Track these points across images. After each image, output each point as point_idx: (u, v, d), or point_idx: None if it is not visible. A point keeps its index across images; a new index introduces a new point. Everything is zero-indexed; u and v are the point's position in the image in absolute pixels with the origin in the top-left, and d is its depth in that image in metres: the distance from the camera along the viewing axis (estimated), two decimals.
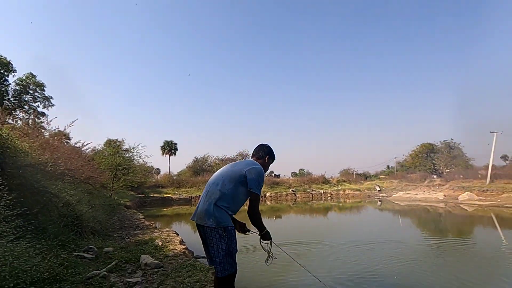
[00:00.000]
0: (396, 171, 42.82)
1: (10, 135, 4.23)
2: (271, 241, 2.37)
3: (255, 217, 2.10)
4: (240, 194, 2.07)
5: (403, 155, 42.37)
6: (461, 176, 27.77)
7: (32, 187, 3.86)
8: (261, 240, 2.35)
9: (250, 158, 2.42)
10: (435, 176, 31.84)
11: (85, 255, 3.79)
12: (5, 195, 2.61)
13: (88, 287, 2.85)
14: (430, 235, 8.74)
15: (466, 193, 20.77)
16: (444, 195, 22.06)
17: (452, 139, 36.06)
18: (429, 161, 36.27)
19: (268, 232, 2.29)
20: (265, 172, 2.34)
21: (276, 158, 2.50)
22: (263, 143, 2.45)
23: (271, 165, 2.47)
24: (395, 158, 45.34)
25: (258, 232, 2.29)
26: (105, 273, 3.25)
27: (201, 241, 2.07)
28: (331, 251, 6.01)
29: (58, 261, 3.10)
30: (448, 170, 33.08)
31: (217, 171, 2.26)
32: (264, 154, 2.36)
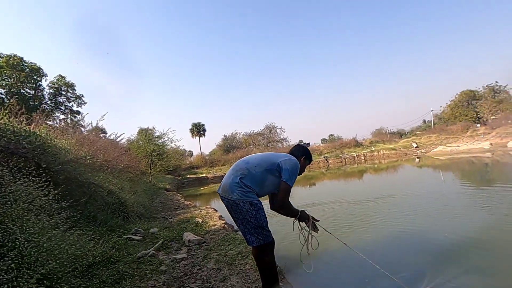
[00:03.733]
0: (434, 124, 40.24)
1: (48, 134, 4.51)
2: (311, 219, 2.25)
3: (284, 207, 2.03)
4: (268, 181, 2.01)
5: (441, 106, 39.45)
6: (509, 121, 25.35)
7: (76, 180, 4.13)
8: (300, 222, 2.26)
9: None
10: (478, 125, 29.40)
11: (134, 237, 4.06)
12: (52, 189, 2.79)
13: (140, 265, 3.05)
14: (475, 186, 8.19)
15: None
16: (491, 144, 20.41)
17: (496, 82, 32.62)
18: (471, 109, 33.38)
19: (303, 211, 2.22)
20: (301, 173, 2.26)
21: (312, 160, 2.43)
22: (301, 144, 2.39)
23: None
24: (431, 111, 42.50)
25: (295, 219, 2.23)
26: (154, 252, 3.46)
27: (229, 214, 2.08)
28: (365, 208, 5.92)
29: (110, 244, 3.35)
30: (494, 117, 30.28)
31: (253, 154, 2.25)
32: (300, 154, 2.27)
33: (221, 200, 2.05)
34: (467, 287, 2.45)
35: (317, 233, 2.31)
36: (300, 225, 2.29)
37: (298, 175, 2.19)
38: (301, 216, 2.19)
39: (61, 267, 2.03)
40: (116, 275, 2.66)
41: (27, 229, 2.01)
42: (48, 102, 23.57)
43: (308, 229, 2.30)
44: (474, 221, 4.42)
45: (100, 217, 4.24)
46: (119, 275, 2.68)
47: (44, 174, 2.87)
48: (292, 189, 2.06)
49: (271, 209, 2.16)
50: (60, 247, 2.15)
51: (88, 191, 4.34)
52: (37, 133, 3.83)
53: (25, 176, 2.62)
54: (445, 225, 4.37)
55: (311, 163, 2.39)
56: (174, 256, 3.34)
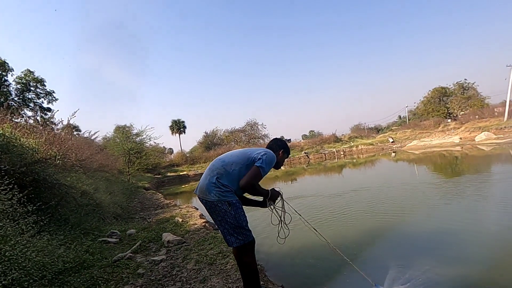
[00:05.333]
0: (409, 120, 41.92)
1: (14, 133, 4.20)
2: (282, 199, 2.19)
3: (251, 188, 1.91)
4: None
5: (415, 102, 41.12)
6: (477, 116, 26.86)
7: (45, 182, 3.88)
8: (271, 203, 2.13)
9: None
10: (449, 120, 30.94)
11: (109, 239, 3.89)
12: (17, 193, 2.59)
13: (116, 269, 2.92)
14: (446, 177, 8.63)
15: (483, 133, 20.21)
16: (460, 138, 21.54)
17: (465, 79, 34.43)
18: (442, 105, 35.02)
19: (273, 190, 2.13)
20: (279, 167, 2.22)
21: (290, 153, 2.40)
22: (277, 138, 2.36)
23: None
24: (406, 107, 44.17)
25: (265, 200, 2.11)
26: (131, 254, 3.32)
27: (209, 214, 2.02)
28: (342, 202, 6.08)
29: (83, 248, 3.19)
30: (463, 112, 31.97)
31: (229, 151, 2.17)
32: (278, 147, 2.21)
33: (200, 201, 1.98)
34: (438, 278, 2.54)
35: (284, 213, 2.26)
36: (272, 204, 2.15)
37: (276, 168, 2.17)
38: (272, 195, 2.09)
39: (26, 276, 1.89)
40: (90, 280, 2.53)
41: None
42: (15, 99, 22.16)
43: (280, 207, 2.22)
44: (445, 211, 4.63)
45: (73, 220, 4.03)
46: (93, 280, 2.55)
47: (7, 176, 2.66)
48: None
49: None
50: (25, 255, 2.00)
51: (59, 193, 4.10)
52: (0, 132, 3.55)
53: None
54: (418, 215, 4.58)
55: (291, 158, 2.37)
56: (153, 258, 3.23)
